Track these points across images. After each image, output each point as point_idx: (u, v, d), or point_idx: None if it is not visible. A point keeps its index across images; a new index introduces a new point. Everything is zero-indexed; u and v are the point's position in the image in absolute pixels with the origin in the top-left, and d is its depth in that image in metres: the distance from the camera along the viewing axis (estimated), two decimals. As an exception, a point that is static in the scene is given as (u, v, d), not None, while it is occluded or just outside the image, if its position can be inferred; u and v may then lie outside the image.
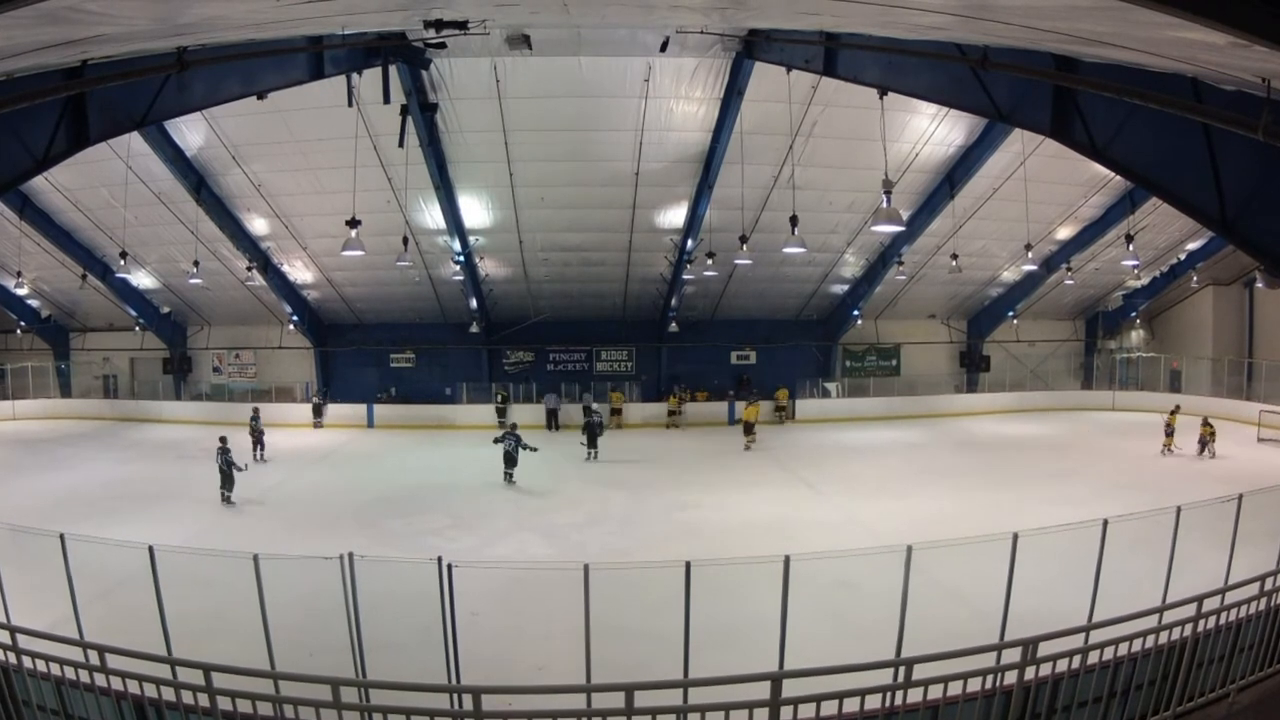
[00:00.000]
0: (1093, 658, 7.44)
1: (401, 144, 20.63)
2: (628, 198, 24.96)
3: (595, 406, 28.21)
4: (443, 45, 17.33)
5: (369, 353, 33.76)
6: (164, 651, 9.05)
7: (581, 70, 19.80)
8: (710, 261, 24.97)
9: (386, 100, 18.42)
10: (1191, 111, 6.71)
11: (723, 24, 14.63)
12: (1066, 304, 36.19)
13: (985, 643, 7.87)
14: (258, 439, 24.82)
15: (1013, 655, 7.27)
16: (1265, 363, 31.31)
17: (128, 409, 33.02)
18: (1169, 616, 7.83)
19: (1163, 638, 7.67)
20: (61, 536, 10.37)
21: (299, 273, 29.92)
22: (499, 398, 31.66)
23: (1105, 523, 10.61)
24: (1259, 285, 32.31)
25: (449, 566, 10.33)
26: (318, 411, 31.47)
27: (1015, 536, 10.01)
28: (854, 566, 11.22)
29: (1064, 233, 29.33)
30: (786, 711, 6.54)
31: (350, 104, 19.08)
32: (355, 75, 18.15)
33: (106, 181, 23.79)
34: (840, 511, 18.51)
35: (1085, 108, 9.01)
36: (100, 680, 7.33)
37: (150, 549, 9.79)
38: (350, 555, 10.19)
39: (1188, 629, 7.66)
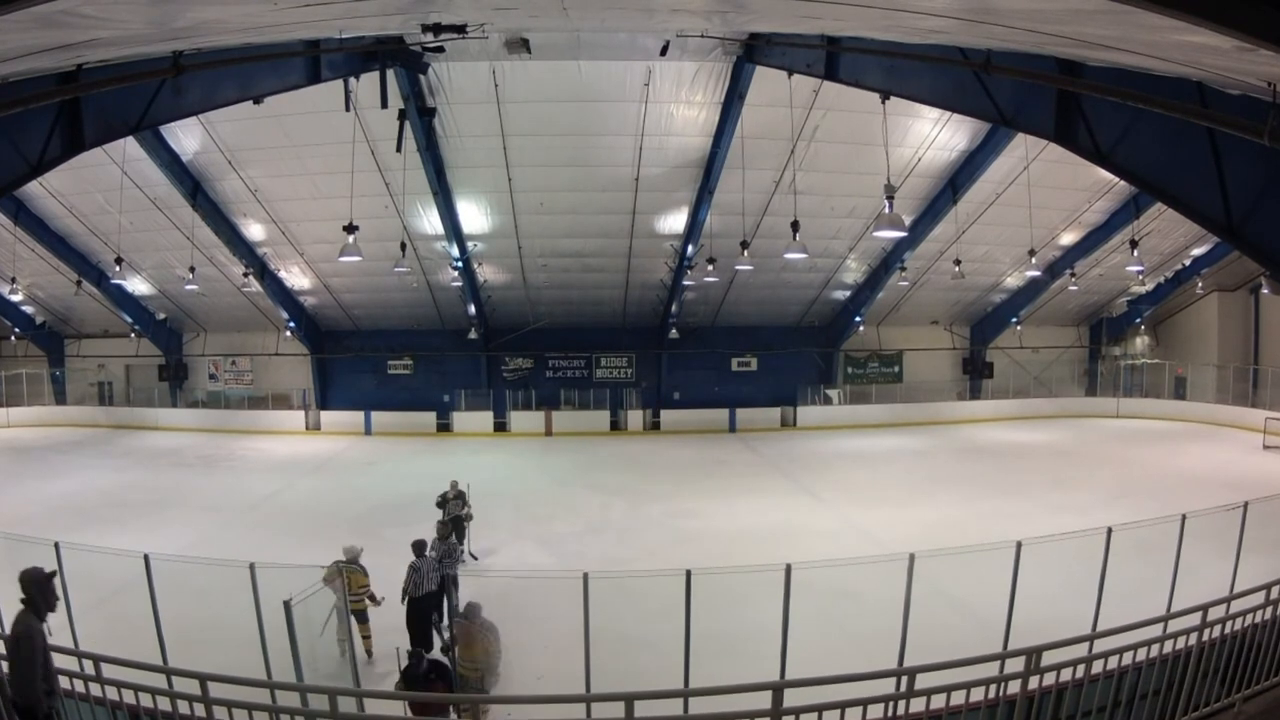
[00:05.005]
0: (1097, 667, 7.38)
1: (399, 149, 20.59)
2: (628, 203, 24.90)
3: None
4: (441, 49, 17.29)
5: (367, 360, 33.65)
6: (160, 661, 8.97)
7: (581, 74, 19.75)
8: (711, 267, 24.85)
9: (384, 105, 18.37)
10: (1197, 116, 6.65)
11: (723, 28, 14.59)
12: (1070, 310, 36.11)
13: (988, 652, 7.78)
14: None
15: (1016, 664, 7.20)
16: (1271, 369, 31.17)
17: (123, 416, 32.94)
18: (1174, 625, 7.77)
19: (1167, 647, 7.59)
20: (56, 545, 10.29)
21: (296, 279, 29.81)
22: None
23: (1109, 531, 10.55)
24: (1265, 291, 32.27)
25: (447, 575, 10.27)
26: None
27: (1019, 545, 9.95)
28: (856, 575, 11.13)
29: (1068, 238, 29.25)
30: (788, 721, 6.47)
31: (348, 108, 19.01)
32: (353, 79, 18.09)
33: (101, 187, 23.72)
34: (842, 519, 18.43)
35: (1089, 112, 8.95)
36: (95, 690, 7.26)
37: (146, 558, 9.72)
38: (348, 563, 10.14)
39: (1193, 638, 7.60)
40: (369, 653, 11.11)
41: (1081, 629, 8.62)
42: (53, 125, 9.36)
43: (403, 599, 11.21)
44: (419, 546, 11.52)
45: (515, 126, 21.45)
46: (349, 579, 10.94)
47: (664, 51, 18.44)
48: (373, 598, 11.19)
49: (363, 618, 11.17)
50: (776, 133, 21.52)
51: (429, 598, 11.10)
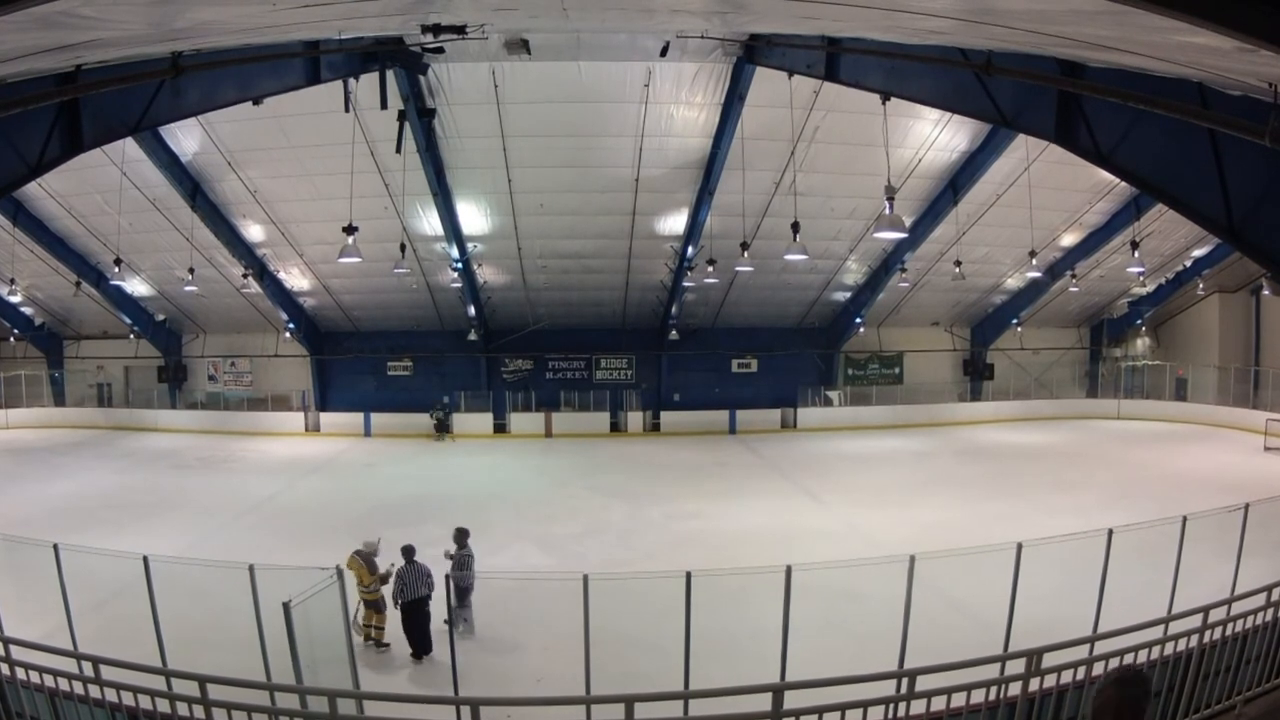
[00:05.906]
0: (1098, 669, 7.34)
1: (399, 150, 20.57)
2: (627, 204, 24.89)
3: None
4: (440, 50, 17.27)
5: (366, 361, 33.63)
6: (159, 663, 8.95)
7: (581, 75, 19.73)
8: (711, 269, 24.86)
9: (384, 106, 18.35)
10: (1197, 117, 6.63)
11: (723, 28, 14.58)
12: (1071, 311, 36.09)
13: (989, 653, 7.78)
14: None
15: (1017, 666, 7.20)
16: (1272, 371, 31.13)
17: (122, 418, 32.91)
18: (1175, 627, 7.75)
19: (1169, 649, 7.58)
20: (55, 547, 10.30)
21: (295, 280, 29.81)
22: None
23: (1110, 532, 10.53)
24: (1265, 293, 32.24)
25: (446, 577, 10.27)
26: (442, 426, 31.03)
27: (1019, 546, 9.93)
28: (856, 577, 11.11)
29: (1068, 239, 29.22)
30: (788, 723, 6.45)
31: (347, 109, 18.98)
32: (352, 80, 18.07)
33: (100, 188, 23.70)
34: (842, 521, 18.41)
35: (1090, 113, 8.93)
36: (94, 691, 7.25)
37: (145, 559, 9.70)
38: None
39: (1194, 640, 7.58)
40: (377, 643, 11.46)
41: (1082, 631, 8.60)
42: (51, 126, 9.33)
43: (395, 604, 11.30)
44: (408, 552, 11.55)
45: (515, 127, 21.43)
46: (357, 574, 11.20)
47: (664, 52, 18.44)
48: (384, 578, 11.50)
49: (378, 607, 11.51)
50: (777, 134, 21.51)
51: (420, 602, 11.13)
